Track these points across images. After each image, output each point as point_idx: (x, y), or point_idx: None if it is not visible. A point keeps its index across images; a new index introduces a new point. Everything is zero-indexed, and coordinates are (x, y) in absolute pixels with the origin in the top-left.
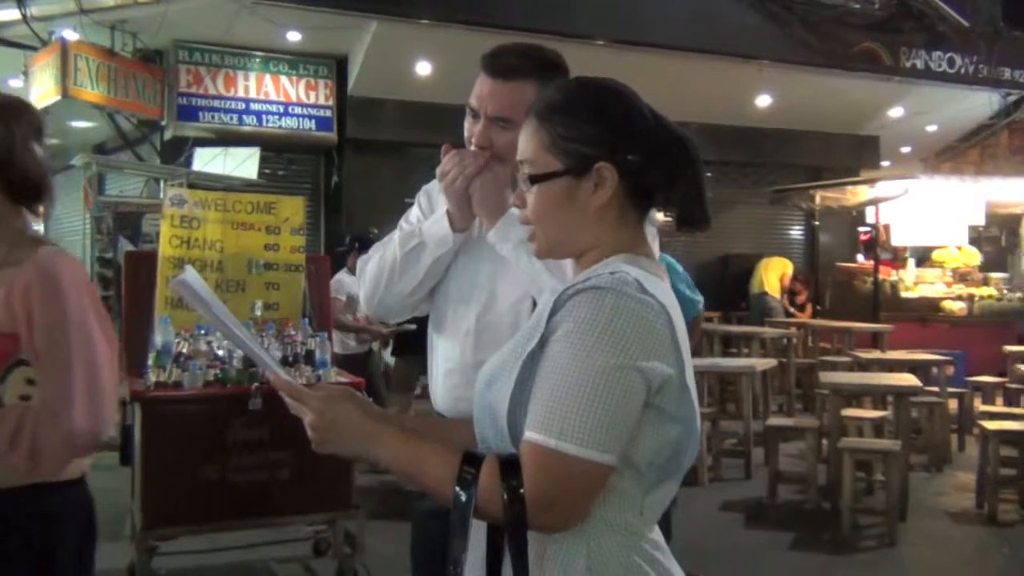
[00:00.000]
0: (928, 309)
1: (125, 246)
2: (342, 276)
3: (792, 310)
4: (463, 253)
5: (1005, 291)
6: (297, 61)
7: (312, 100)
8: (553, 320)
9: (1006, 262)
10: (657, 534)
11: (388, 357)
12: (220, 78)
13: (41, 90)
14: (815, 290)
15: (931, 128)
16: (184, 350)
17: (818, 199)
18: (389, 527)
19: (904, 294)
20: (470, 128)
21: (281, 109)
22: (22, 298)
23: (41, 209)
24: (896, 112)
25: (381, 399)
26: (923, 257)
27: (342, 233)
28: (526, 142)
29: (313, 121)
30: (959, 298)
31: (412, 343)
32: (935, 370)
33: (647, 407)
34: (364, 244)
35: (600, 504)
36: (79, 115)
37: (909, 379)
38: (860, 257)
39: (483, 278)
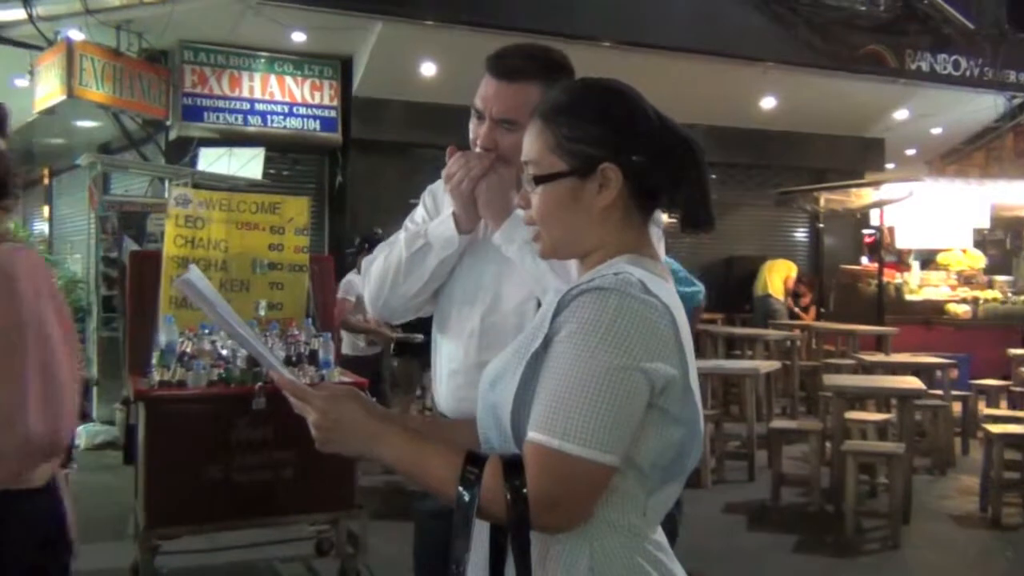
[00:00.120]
0: (932, 312)
1: (130, 245)
2: (352, 277)
3: (797, 310)
4: (468, 254)
5: (1010, 294)
6: (302, 61)
7: (317, 100)
8: (557, 320)
9: (1011, 265)
10: (660, 535)
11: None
12: (225, 78)
13: (47, 90)
14: (819, 292)
15: (936, 131)
16: (188, 349)
17: (822, 201)
18: (392, 527)
19: (908, 297)
20: (475, 130)
21: (286, 109)
22: None
23: (8, 204)
24: (901, 114)
25: (386, 402)
26: (928, 260)
27: (346, 234)
28: (531, 143)
29: (318, 121)
30: (963, 301)
31: (413, 344)
32: (939, 373)
33: (650, 408)
34: (373, 245)
35: (603, 505)
36: (84, 115)
37: (913, 382)
38: (864, 260)
39: (488, 279)
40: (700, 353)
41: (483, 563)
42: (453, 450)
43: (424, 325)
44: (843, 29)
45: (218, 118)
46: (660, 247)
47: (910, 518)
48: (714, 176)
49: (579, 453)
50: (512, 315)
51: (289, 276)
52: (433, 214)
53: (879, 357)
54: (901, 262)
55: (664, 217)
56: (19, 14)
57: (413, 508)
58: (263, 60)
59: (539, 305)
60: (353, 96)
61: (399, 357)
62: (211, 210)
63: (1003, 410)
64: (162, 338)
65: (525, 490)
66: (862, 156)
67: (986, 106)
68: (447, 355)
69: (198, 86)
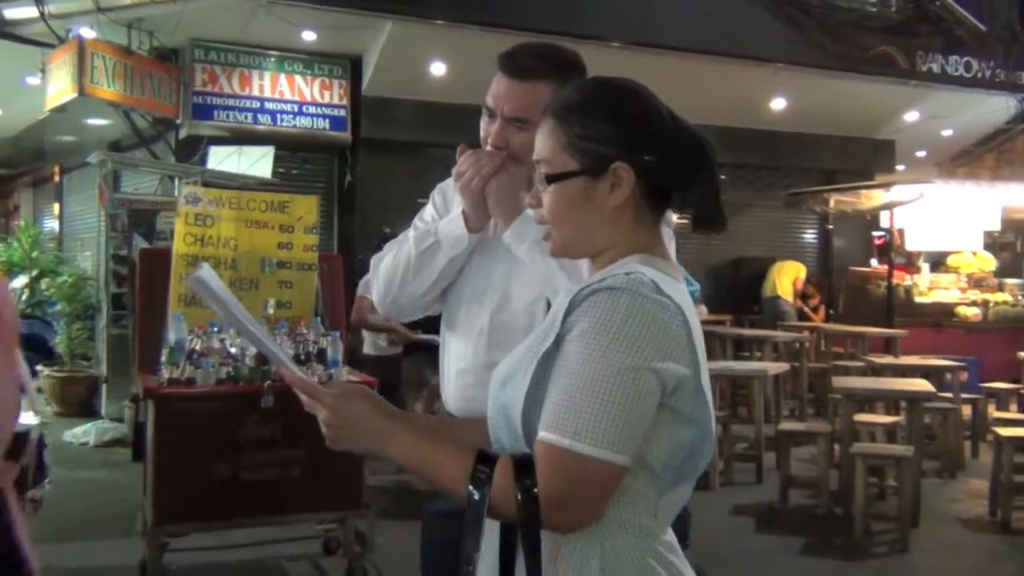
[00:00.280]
0: (942, 314)
1: (140, 243)
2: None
3: (807, 310)
4: (477, 253)
5: (1020, 297)
6: (312, 61)
7: (327, 100)
8: (568, 320)
9: (1021, 268)
10: (671, 536)
11: None
12: (235, 77)
13: (58, 87)
14: (828, 294)
15: (947, 132)
16: (197, 347)
17: (832, 203)
18: (399, 526)
19: (918, 299)
20: (486, 128)
21: (296, 108)
22: None
23: None
24: (912, 116)
25: (402, 403)
26: (938, 262)
27: (355, 233)
28: (543, 141)
29: (327, 120)
30: (974, 304)
31: (422, 343)
32: (949, 376)
33: (662, 408)
34: None
35: (614, 505)
36: (95, 113)
37: (922, 384)
38: (874, 261)
39: (497, 278)
40: (708, 354)
41: (493, 563)
42: (463, 449)
43: (432, 324)
44: (854, 30)
45: (228, 117)
46: (671, 247)
47: (919, 521)
48: (723, 177)
49: (590, 453)
50: (521, 314)
51: (298, 275)
52: (443, 212)
53: (888, 359)
54: (911, 264)
55: (673, 217)
56: (31, 12)
57: (421, 508)
58: (273, 59)
59: (548, 305)
60: (363, 95)
61: (407, 356)
62: (221, 208)
63: (1013, 413)
64: (171, 336)
65: (536, 490)
66: (872, 158)
67: (997, 108)
68: (455, 354)
69: (208, 84)
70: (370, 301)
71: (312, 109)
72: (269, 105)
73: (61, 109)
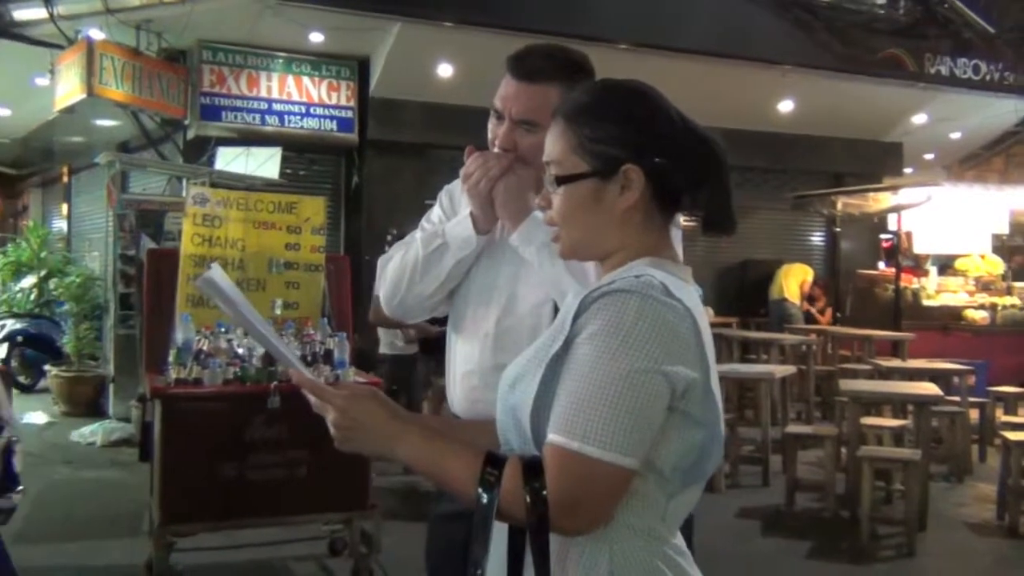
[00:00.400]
0: (950, 318)
1: (147, 244)
2: None
3: (814, 311)
4: (484, 255)
5: None
6: (320, 62)
7: (334, 101)
8: (578, 322)
9: None
10: (680, 540)
11: None
12: (243, 78)
13: (67, 88)
14: (835, 296)
15: (955, 135)
16: (204, 347)
17: (840, 205)
18: (406, 527)
19: (926, 302)
20: (494, 130)
21: (303, 110)
22: None
23: None
24: (920, 119)
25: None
26: (945, 265)
27: (362, 234)
28: (553, 143)
29: (335, 122)
30: (982, 307)
31: (430, 343)
32: (956, 379)
33: (671, 411)
34: None
35: (623, 508)
36: (104, 113)
37: (930, 388)
38: (881, 264)
39: (504, 280)
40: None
41: (501, 565)
42: (472, 451)
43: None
44: (862, 33)
45: (236, 118)
46: (679, 249)
47: (926, 525)
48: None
49: (599, 456)
50: (528, 317)
51: (305, 275)
52: (450, 214)
53: (896, 363)
54: (918, 267)
55: (680, 219)
56: (40, 13)
57: (427, 509)
58: (281, 60)
59: (555, 307)
60: (370, 97)
61: (423, 355)
62: (228, 209)
63: (1021, 417)
64: (179, 336)
65: (545, 492)
66: (880, 160)
67: (1006, 111)
68: (462, 356)
69: (216, 86)
70: None
71: (319, 110)
72: (277, 106)
73: (70, 110)
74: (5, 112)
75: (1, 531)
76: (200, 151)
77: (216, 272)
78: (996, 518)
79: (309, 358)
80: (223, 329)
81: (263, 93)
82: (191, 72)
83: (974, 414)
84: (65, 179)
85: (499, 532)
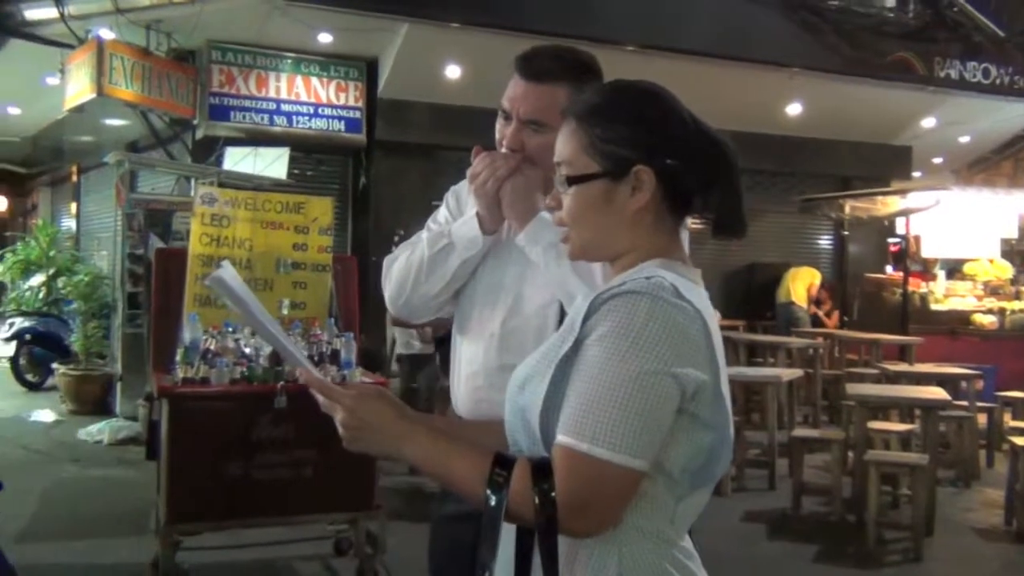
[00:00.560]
0: (958, 322)
1: (156, 243)
2: None
3: (821, 314)
4: (491, 256)
5: None
6: (328, 63)
7: (342, 102)
8: (587, 324)
9: None
10: (688, 542)
11: None
12: (252, 78)
13: (77, 88)
14: (842, 300)
15: (964, 139)
16: (212, 347)
17: (847, 209)
18: (411, 528)
19: (934, 306)
20: (501, 130)
21: (311, 110)
22: None
23: None
24: (929, 122)
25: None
26: (954, 269)
27: (370, 234)
28: (564, 143)
29: (343, 122)
30: (990, 312)
31: (438, 343)
32: (964, 384)
33: (681, 413)
34: None
35: (632, 510)
36: (113, 113)
37: (938, 392)
38: (889, 268)
39: (510, 281)
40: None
41: (509, 567)
42: (480, 452)
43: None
44: (871, 36)
45: (244, 118)
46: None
47: (933, 530)
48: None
49: (608, 457)
50: (534, 318)
51: (312, 276)
52: (456, 214)
53: (903, 367)
54: (927, 271)
55: (688, 222)
56: (51, 13)
57: (431, 511)
58: (289, 61)
59: (561, 308)
60: (378, 97)
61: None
62: (236, 209)
63: None
64: (186, 335)
65: (554, 494)
66: (889, 164)
67: (1016, 115)
68: (467, 357)
69: (225, 86)
70: None
71: (328, 111)
72: (285, 107)
73: (79, 109)
74: (15, 111)
75: (6, 528)
76: (208, 151)
77: (227, 271)
78: (1004, 523)
79: (316, 358)
80: (230, 328)
81: (271, 93)
82: (200, 72)
83: (982, 419)
84: (74, 178)
85: (507, 533)
